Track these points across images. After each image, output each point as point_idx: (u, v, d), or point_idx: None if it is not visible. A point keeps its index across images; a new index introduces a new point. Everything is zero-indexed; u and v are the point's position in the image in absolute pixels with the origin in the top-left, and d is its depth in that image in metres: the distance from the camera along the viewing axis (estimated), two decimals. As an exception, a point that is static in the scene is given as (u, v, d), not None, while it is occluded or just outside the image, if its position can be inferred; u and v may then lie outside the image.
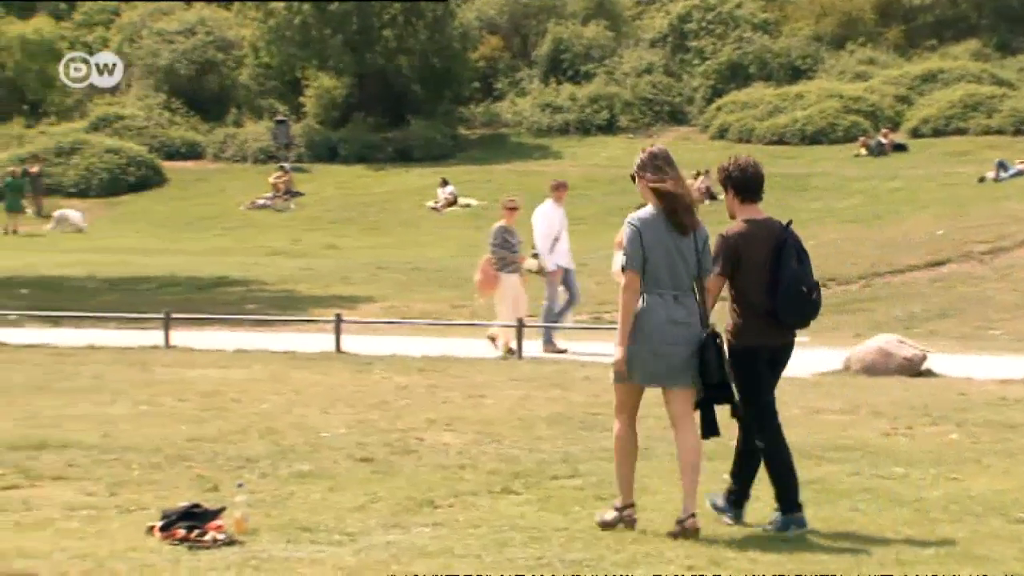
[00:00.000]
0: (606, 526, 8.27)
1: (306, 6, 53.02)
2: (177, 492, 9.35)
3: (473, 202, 44.38)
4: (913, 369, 16.97)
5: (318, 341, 19.89)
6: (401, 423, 12.85)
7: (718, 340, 8.31)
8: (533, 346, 19.42)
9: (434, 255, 33.15)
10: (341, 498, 9.31)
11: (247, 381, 15.81)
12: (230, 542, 7.86)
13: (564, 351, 19.50)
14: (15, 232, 41.80)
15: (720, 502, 8.76)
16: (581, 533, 8.26)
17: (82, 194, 48.01)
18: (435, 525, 8.48)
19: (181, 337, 19.90)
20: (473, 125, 56.14)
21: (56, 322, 22.68)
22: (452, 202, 44.30)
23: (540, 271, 19.91)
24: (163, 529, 7.99)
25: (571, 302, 20.23)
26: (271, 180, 47.26)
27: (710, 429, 8.38)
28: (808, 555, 7.81)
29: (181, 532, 7.89)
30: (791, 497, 8.48)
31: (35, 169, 45.88)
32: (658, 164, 8.37)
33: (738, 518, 8.65)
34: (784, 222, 8.75)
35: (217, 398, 14.36)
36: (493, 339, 19.44)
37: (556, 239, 19.79)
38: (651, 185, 8.31)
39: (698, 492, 8.28)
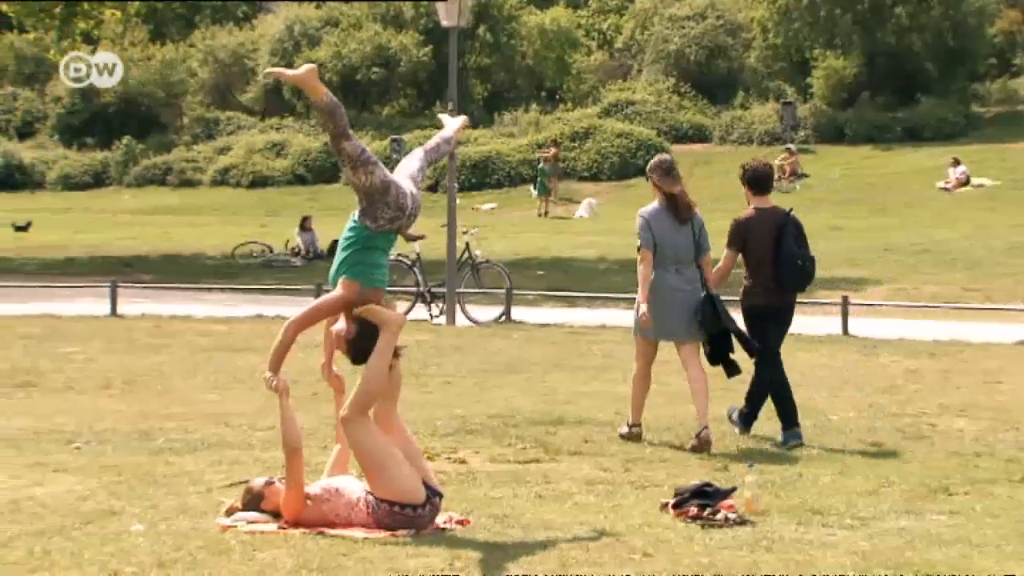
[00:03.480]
0: (623, 437, 10.77)
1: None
2: (688, 470, 9.52)
3: (987, 182, 42.75)
4: None
5: (824, 323, 19.73)
6: (912, 408, 12.61)
7: (715, 301, 10.87)
8: None
9: (943, 237, 32.15)
10: (851, 482, 9.23)
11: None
12: (741, 522, 7.93)
13: None
14: (546, 215, 43.60)
15: (735, 416, 11.34)
16: (1109, 529, 7.87)
17: (594, 178, 49.35)
18: (951, 513, 8.28)
19: (689, 317, 20.17)
20: (987, 103, 54.03)
21: (571, 302, 23.49)
22: (964, 182, 42.84)
23: None
24: (676, 506, 8.14)
25: None
26: (777, 162, 47.04)
27: (732, 370, 11.10)
28: None
29: (694, 510, 8.02)
30: (789, 418, 10.87)
31: (550, 153, 47.44)
32: (664, 169, 10.98)
33: (746, 432, 11.17)
34: (787, 209, 11.21)
35: (723, 379, 14.48)
36: None
37: None
38: (657, 184, 10.92)
39: (708, 411, 10.60)
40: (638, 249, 10.95)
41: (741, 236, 11.13)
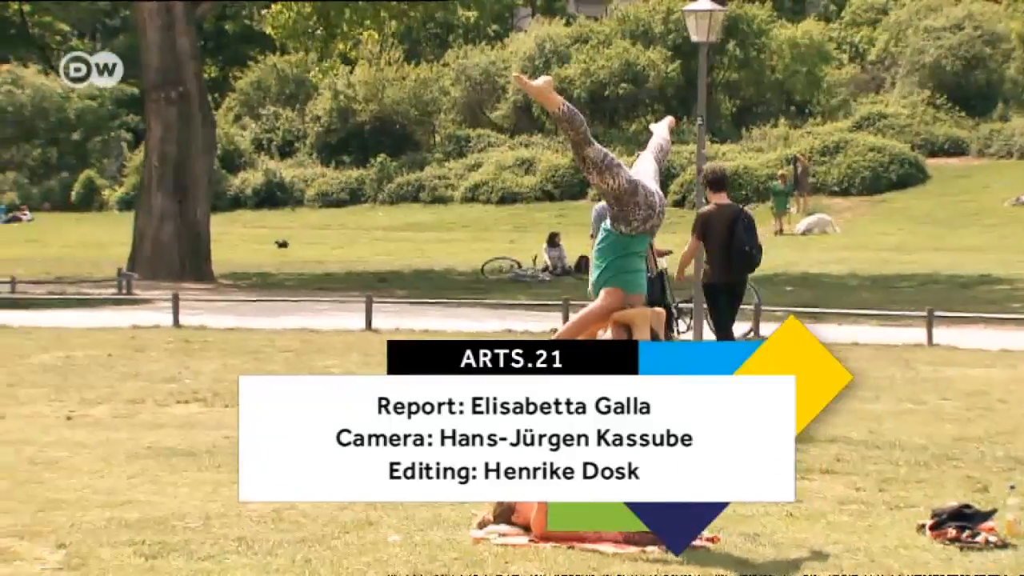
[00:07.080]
0: None
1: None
2: (945, 491, 9.30)
3: None
4: None
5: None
6: None
7: (664, 279, 14.48)
8: None
9: None
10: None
11: (1013, 381, 15.45)
12: (1003, 545, 7.73)
13: None
14: (781, 232, 43.04)
15: None
16: None
17: (844, 192, 48.57)
18: None
19: (943, 335, 19.73)
20: None
21: (818, 318, 23.12)
22: None
23: None
24: (934, 528, 7.97)
25: None
26: (1039, 176, 45.66)
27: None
28: None
29: (952, 532, 7.84)
30: None
31: (796, 165, 46.80)
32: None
33: None
34: (740, 206, 14.13)
35: (982, 398, 14.14)
36: None
37: None
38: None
39: None
40: (592, 236, 13.38)
41: (702, 227, 13.99)
